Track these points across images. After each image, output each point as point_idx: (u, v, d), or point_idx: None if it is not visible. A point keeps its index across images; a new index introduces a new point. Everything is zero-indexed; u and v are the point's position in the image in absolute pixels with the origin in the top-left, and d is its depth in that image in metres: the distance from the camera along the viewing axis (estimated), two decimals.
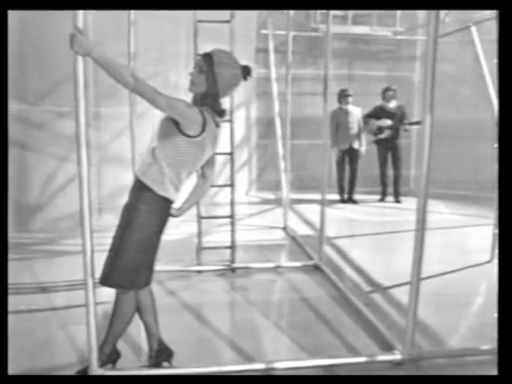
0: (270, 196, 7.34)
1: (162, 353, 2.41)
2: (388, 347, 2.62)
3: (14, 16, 4.88)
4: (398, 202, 6.88)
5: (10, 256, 4.23)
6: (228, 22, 3.86)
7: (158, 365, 2.41)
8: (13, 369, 2.35)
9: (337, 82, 7.76)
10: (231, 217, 4.08)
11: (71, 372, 2.42)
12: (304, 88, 7.77)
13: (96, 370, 2.29)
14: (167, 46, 6.20)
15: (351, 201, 6.93)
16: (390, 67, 8.32)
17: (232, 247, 4.05)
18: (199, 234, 4.03)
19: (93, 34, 4.75)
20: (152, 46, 5.93)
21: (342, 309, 3.24)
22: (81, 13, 2.12)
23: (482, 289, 3.81)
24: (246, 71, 2.25)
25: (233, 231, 4.07)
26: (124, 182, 4.83)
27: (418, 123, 6.44)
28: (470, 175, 7.21)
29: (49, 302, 3.34)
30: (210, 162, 2.38)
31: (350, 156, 6.89)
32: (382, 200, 7.02)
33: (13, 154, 5.24)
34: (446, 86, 7.67)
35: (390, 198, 6.99)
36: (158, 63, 6.04)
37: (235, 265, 4.01)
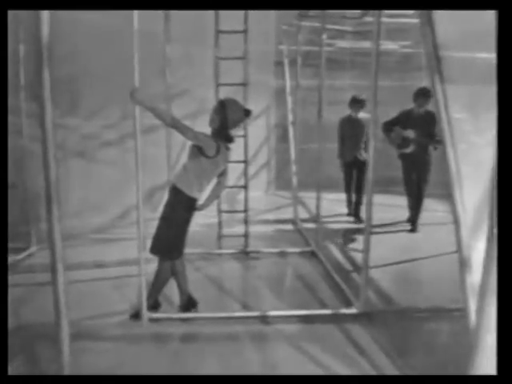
0: (287, 194, 8.43)
1: (189, 303, 3.61)
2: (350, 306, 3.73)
3: (68, 45, 6.15)
4: (413, 230, 6.03)
5: (73, 242, 5.52)
6: (243, 58, 4.99)
7: (187, 311, 3.60)
8: (78, 316, 3.52)
9: (350, 92, 8.84)
10: (245, 211, 5.23)
11: (126, 316, 3.60)
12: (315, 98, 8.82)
13: (145, 313, 3.47)
14: (195, 66, 7.34)
15: (356, 217, 6.46)
16: (398, 78, 9.29)
17: (246, 235, 5.20)
18: (219, 225, 5.21)
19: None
20: (183, 66, 7.08)
21: (325, 282, 4.37)
22: (137, 74, 3.26)
23: (440, 271, 4.77)
24: (247, 113, 3.40)
25: (246, 223, 5.22)
26: (157, 183, 6.03)
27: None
28: None
29: (104, 274, 4.55)
30: (223, 173, 3.54)
31: (356, 168, 6.42)
32: (412, 230, 6.04)
33: (72, 162, 6.55)
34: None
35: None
36: (188, 80, 7.20)
37: (248, 249, 5.17)
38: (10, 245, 5.13)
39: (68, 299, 3.18)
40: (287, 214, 6.91)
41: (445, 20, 3.17)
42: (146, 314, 3.47)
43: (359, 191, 6.41)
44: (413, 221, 6.08)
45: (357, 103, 6.46)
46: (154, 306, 3.59)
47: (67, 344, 2.38)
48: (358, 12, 7.60)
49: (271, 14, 8.49)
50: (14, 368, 2.93)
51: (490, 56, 2.94)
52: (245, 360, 3.05)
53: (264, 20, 8.21)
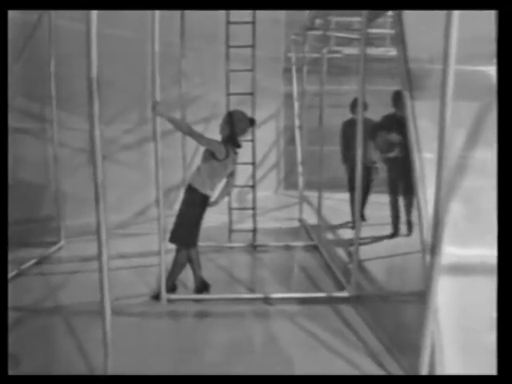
0: (295, 194, 9.00)
1: (203, 286, 4.21)
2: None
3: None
4: (409, 234, 6.06)
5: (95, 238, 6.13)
6: (251, 70, 5.59)
7: (200, 293, 4.20)
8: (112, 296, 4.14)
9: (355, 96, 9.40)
10: (253, 208, 5.83)
11: (146, 298, 4.20)
12: (325, 101, 9.39)
13: (164, 294, 4.08)
14: (208, 73, 7.96)
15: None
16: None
17: (254, 230, 5.80)
18: (230, 221, 5.81)
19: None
20: (196, 73, 7.70)
21: (324, 271, 4.94)
22: (157, 86, 3.86)
23: None
24: (251, 122, 4.00)
25: (254, 219, 5.82)
26: (172, 182, 6.64)
27: None
28: None
29: (127, 264, 5.16)
30: (232, 174, 4.14)
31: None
32: (392, 237, 6.08)
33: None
34: None
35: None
36: (201, 86, 7.82)
37: (256, 243, 5.76)
38: (43, 239, 5.88)
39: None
40: (295, 211, 7.48)
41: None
42: (165, 295, 4.09)
43: (363, 199, 6.27)
44: (408, 223, 6.00)
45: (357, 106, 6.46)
46: (172, 288, 4.20)
47: (109, 318, 2.93)
48: (361, 22, 8.16)
49: (281, 25, 9.09)
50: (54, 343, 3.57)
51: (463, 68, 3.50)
52: (249, 332, 3.65)
53: (274, 30, 8.82)
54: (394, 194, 6.00)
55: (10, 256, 5.17)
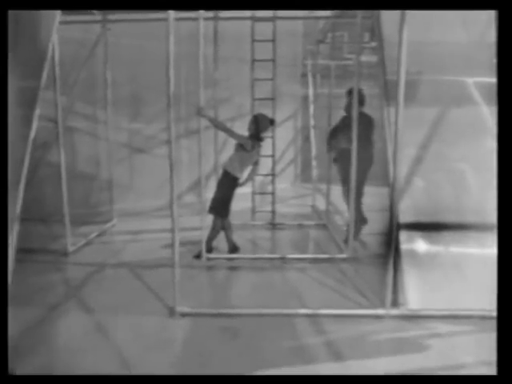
0: (311, 186, 10.32)
1: (234, 248, 5.61)
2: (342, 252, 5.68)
3: (129, 68, 8.19)
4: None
5: (143, 217, 7.57)
6: (271, 79, 6.97)
7: (232, 253, 5.60)
8: (161, 256, 5.56)
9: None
10: (273, 193, 7.21)
11: (190, 257, 5.60)
12: (340, 103, 10.70)
13: (204, 254, 5.47)
14: (234, 78, 9.30)
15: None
16: None
17: (273, 211, 7.17)
18: (253, 204, 7.20)
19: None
20: (224, 78, 9.04)
21: (329, 241, 6.29)
22: (202, 94, 5.25)
23: None
24: (271, 122, 5.38)
25: (273, 201, 7.20)
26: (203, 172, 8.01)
27: None
28: None
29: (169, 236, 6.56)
30: (257, 162, 5.50)
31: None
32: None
33: (137, 157, 8.64)
34: None
35: None
36: (228, 90, 9.19)
37: (274, 222, 7.14)
38: (98, 219, 7.32)
39: (154, 248, 5.29)
40: (308, 200, 8.83)
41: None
42: (205, 254, 5.49)
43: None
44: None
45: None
46: (210, 249, 5.61)
47: (178, 266, 4.26)
48: (367, 36, 9.48)
49: (299, 36, 10.47)
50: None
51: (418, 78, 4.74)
52: (269, 279, 5.03)
53: (294, 41, 10.22)
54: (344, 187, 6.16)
55: (77, 231, 6.71)
